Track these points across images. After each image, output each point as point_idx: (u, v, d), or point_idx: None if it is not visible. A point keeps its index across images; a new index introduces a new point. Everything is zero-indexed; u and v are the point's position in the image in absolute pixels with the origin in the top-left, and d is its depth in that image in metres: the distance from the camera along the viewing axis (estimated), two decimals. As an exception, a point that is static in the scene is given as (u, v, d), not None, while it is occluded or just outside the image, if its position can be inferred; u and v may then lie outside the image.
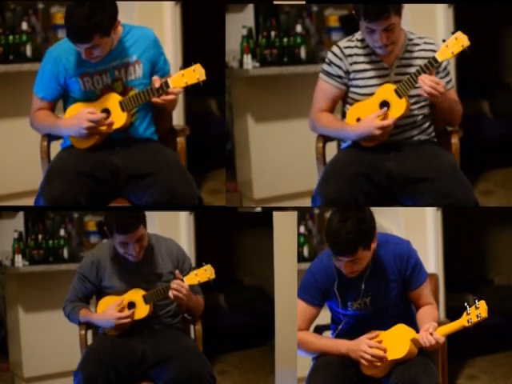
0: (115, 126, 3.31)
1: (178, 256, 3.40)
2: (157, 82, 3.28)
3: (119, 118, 3.31)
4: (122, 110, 3.31)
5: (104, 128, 3.29)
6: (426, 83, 3.19)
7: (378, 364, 3.01)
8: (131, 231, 3.23)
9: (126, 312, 3.27)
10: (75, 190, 3.24)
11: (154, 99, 3.28)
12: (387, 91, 3.28)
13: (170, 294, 3.26)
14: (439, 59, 3.21)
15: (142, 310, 3.30)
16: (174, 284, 3.25)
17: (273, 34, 4.43)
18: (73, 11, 3.17)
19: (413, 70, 3.26)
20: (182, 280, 3.27)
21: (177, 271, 3.30)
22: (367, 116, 3.28)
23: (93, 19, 3.15)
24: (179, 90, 3.29)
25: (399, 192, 3.30)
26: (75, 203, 3.24)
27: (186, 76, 3.27)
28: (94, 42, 3.20)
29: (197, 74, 3.26)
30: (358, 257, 2.99)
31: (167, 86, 3.28)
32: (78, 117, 3.29)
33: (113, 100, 3.32)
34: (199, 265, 3.27)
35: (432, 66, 3.21)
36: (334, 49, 3.38)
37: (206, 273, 3.26)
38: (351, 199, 3.22)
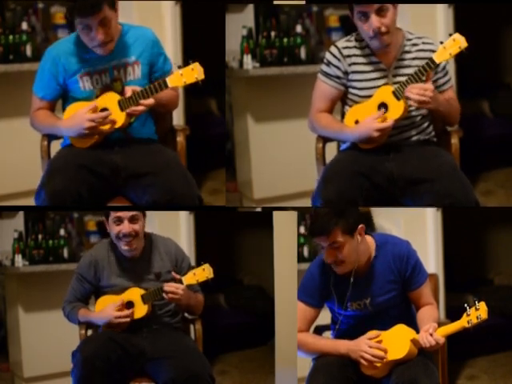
0: (115, 126, 3.31)
1: (176, 255, 3.40)
2: (128, 91, 3.27)
3: (118, 118, 3.30)
4: (121, 109, 3.30)
5: (105, 127, 3.29)
6: (413, 92, 3.19)
7: (378, 364, 3.01)
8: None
9: (125, 311, 3.27)
10: (76, 184, 3.24)
11: (130, 110, 3.26)
12: (385, 93, 3.28)
13: (166, 296, 3.26)
14: (437, 61, 3.20)
15: (141, 310, 3.30)
16: (168, 287, 3.25)
17: (273, 34, 4.42)
18: None
19: (411, 70, 3.25)
20: (181, 281, 3.26)
21: (173, 273, 3.29)
22: (365, 118, 3.28)
23: None
24: (150, 102, 3.26)
25: (399, 193, 3.30)
26: (77, 196, 3.23)
27: (184, 75, 3.26)
28: (104, 14, 3.18)
29: (195, 73, 3.25)
30: (335, 239, 2.98)
31: (165, 85, 3.27)
32: (78, 117, 3.28)
33: (111, 99, 3.31)
34: (199, 265, 3.27)
35: (429, 67, 3.21)
36: (333, 49, 3.37)
37: (205, 272, 3.25)
38: (351, 199, 3.21)
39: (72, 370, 3.21)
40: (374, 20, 3.20)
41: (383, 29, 3.23)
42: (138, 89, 3.27)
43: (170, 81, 3.27)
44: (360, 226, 3.04)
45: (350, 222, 3.01)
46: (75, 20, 3.21)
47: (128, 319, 3.28)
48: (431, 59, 3.20)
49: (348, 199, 3.21)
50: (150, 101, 3.26)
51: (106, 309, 3.30)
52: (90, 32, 3.22)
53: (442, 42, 3.19)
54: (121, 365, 3.23)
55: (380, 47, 3.28)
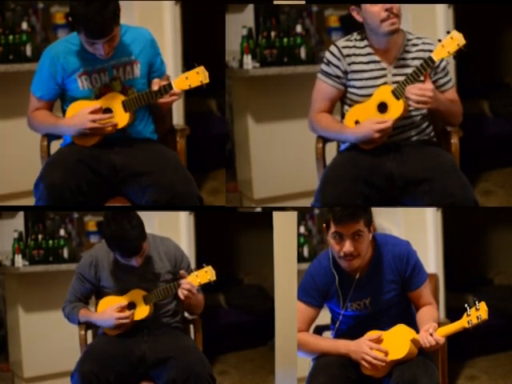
0: (118, 127, 3.31)
1: (175, 255, 3.39)
2: (156, 84, 3.27)
3: (122, 119, 3.31)
4: (125, 110, 3.30)
5: (109, 129, 3.29)
6: (412, 92, 3.19)
7: (380, 366, 3.00)
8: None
9: (126, 312, 3.28)
10: (75, 177, 3.24)
11: (161, 101, 3.27)
12: (385, 93, 3.27)
13: (180, 294, 3.25)
14: (435, 59, 3.19)
15: (142, 311, 3.30)
16: (186, 284, 3.25)
17: (273, 34, 4.43)
18: (85, 9, 3.11)
19: (411, 70, 3.24)
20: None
21: (182, 271, 3.29)
22: (365, 118, 3.27)
23: (108, 8, 3.12)
24: (181, 92, 3.28)
25: (399, 193, 3.30)
26: (76, 190, 3.23)
27: (189, 79, 3.25)
28: (114, 32, 3.18)
29: (200, 76, 3.25)
30: (360, 228, 2.99)
31: (170, 88, 3.27)
32: (81, 116, 3.28)
33: (115, 100, 3.31)
34: (199, 265, 3.27)
35: (428, 65, 3.20)
36: (332, 49, 3.37)
37: (207, 274, 3.25)
38: (351, 204, 3.21)
39: None
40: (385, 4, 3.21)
41: (395, 10, 3.21)
42: (163, 82, 3.27)
43: (176, 84, 3.26)
44: (372, 223, 3.07)
45: (369, 216, 3.05)
46: (79, 33, 3.20)
47: (129, 320, 3.28)
48: (429, 57, 3.19)
49: (347, 204, 3.20)
50: (180, 90, 3.25)
51: (106, 310, 3.30)
52: (96, 45, 3.21)
53: (440, 40, 3.19)
54: (121, 378, 3.24)
55: (390, 31, 3.24)
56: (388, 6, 3.21)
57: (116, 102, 3.30)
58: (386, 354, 2.99)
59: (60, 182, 3.23)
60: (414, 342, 3.00)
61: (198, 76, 3.24)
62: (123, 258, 3.25)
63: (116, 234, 3.18)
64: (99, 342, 3.35)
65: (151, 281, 3.34)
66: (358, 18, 3.29)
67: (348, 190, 3.23)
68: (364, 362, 3.01)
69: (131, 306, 3.31)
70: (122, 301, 3.30)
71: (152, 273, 3.35)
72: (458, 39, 3.15)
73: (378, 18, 3.24)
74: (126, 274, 3.33)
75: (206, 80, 3.25)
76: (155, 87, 3.27)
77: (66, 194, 3.23)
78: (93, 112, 3.27)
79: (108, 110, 3.30)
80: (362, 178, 3.26)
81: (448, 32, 3.18)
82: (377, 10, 3.23)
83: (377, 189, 3.27)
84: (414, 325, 3.10)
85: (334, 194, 3.23)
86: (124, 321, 3.27)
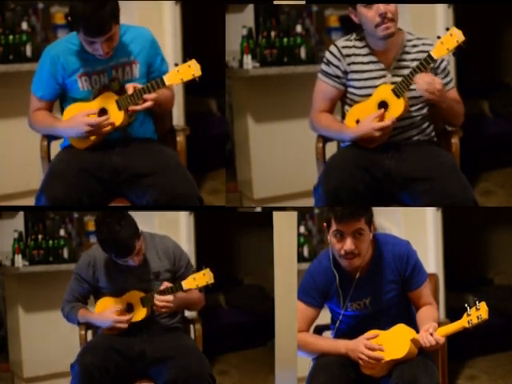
0: (115, 125, 3.31)
1: (174, 252, 3.39)
2: (129, 89, 3.27)
3: (117, 117, 3.30)
4: (119, 108, 3.30)
5: (105, 129, 3.28)
6: (424, 80, 3.18)
7: (376, 365, 3.00)
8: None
9: (125, 316, 3.27)
10: (77, 190, 3.24)
11: (132, 108, 3.26)
12: (385, 91, 3.27)
13: (157, 310, 3.27)
14: (434, 56, 3.18)
15: (140, 313, 3.30)
16: (159, 301, 3.24)
17: (273, 34, 4.43)
18: (83, 6, 3.12)
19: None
20: (171, 289, 3.25)
21: (164, 283, 3.28)
22: (366, 117, 3.28)
23: (106, 5, 3.13)
24: (154, 97, 3.26)
25: (398, 190, 3.30)
26: (78, 203, 3.24)
27: (181, 72, 3.25)
28: (113, 31, 3.18)
29: (192, 70, 3.24)
30: (361, 226, 2.99)
31: (163, 83, 3.26)
32: (77, 120, 3.28)
33: (109, 99, 3.30)
34: (199, 266, 3.27)
35: (428, 63, 3.19)
36: (332, 49, 3.37)
37: (205, 277, 3.24)
38: (352, 190, 3.22)
39: (71, 382, 3.22)
40: (380, 5, 3.19)
41: (389, 15, 3.20)
42: (139, 86, 3.27)
43: (167, 78, 3.26)
44: (373, 222, 3.07)
45: (370, 215, 3.05)
46: (78, 33, 3.21)
47: (127, 324, 3.28)
48: (429, 55, 3.18)
49: (349, 190, 3.21)
50: (149, 103, 3.25)
51: (105, 312, 3.30)
52: (94, 44, 3.21)
53: (439, 37, 3.17)
54: (120, 372, 3.24)
55: (385, 36, 3.23)
56: (382, 10, 3.19)
57: (110, 102, 3.30)
58: (383, 352, 2.99)
59: (62, 195, 3.23)
60: (414, 341, 3.00)
61: (190, 69, 3.24)
62: (118, 259, 3.25)
63: (107, 237, 3.19)
64: (99, 337, 3.36)
65: (150, 280, 3.34)
66: (356, 20, 3.29)
67: (350, 175, 3.23)
68: (360, 361, 3.01)
69: (129, 307, 3.31)
70: (120, 303, 3.30)
71: (150, 272, 3.35)
72: (457, 36, 3.13)
73: (372, 24, 3.23)
74: (124, 274, 3.33)
75: (198, 73, 3.24)
76: (129, 91, 3.26)
77: (68, 206, 3.24)
78: (89, 115, 3.27)
79: (103, 111, 3.30)
80: (363, 167, 3.26)
81: (447, 29, 3.17)
82: (371, 15, 3.22)
83: (377, 180, 3.27)
84: (413, 325, 3.10)
85: (337, 180, 3.23)
86: (121, 325, 3.27)
